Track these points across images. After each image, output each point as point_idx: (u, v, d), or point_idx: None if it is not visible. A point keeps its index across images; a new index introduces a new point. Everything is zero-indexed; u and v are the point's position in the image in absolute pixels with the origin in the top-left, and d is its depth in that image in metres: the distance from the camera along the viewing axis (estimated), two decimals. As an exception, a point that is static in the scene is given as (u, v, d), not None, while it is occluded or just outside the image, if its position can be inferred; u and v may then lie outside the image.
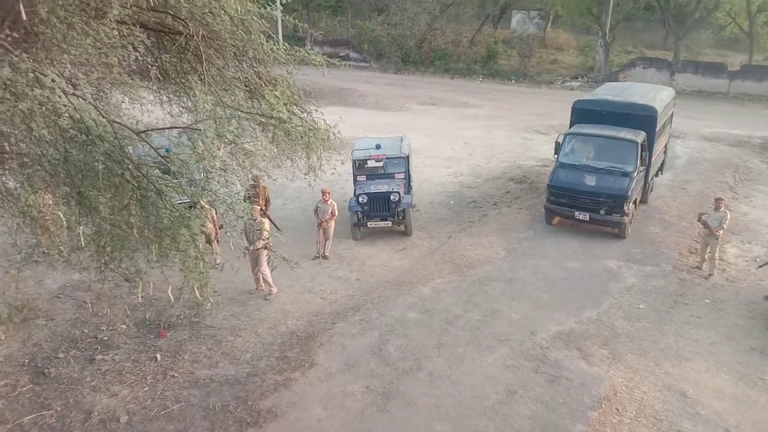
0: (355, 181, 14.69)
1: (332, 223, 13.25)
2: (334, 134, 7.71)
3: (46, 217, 6.92)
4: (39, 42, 5.40)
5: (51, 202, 6.81)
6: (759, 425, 8.32)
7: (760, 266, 12.14)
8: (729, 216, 12.56)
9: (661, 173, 18.02)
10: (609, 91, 17.24)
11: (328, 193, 13.10)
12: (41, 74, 4.76)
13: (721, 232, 12.30)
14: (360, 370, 9.46)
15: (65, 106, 4.91)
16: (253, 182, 12.61)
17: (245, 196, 12.08)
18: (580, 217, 14.12)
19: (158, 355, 9.79)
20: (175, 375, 9.35)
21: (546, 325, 10.62)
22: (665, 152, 18.13)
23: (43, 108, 4.69)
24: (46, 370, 9.39)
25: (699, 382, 9.20)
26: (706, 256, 12.65)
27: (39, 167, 5.46)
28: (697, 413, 8.52)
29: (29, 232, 7.41)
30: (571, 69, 37.20)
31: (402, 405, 8.68)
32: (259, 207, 12.02)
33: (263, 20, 6.86)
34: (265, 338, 10.37)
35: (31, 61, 4.83)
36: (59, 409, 8.59)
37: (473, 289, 11.93)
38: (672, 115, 18.31)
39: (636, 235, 14.34)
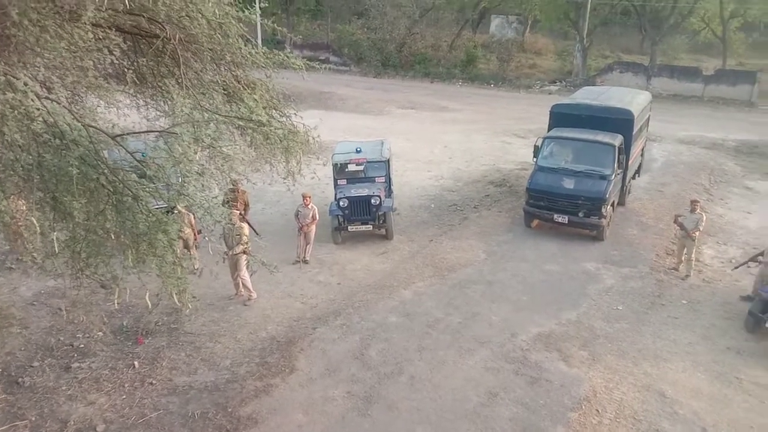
0: (335, 185, 14.65)
1: (313, 227, 13.20)
2: (313, 138, 7.68)
3: (19, 223, 6.79)
4: (11, 45, 5.30)
5: (24, 207, 6.69)
6: (735, 423, 8.45)
7: (736, 267, 12.34)
8: (705, 218, 12.76)
9: (639, 176, 18.25)
10: (587, 95, 17.44)
11: (309, 197, 13.06)
12: (13, 77, 4.68)
13: (697, 233, 12.48)
14: (341, 374, 9.42)
15: (38, 109, 4.83)
16: (231, 186, 12.52)
17: (224, 200, 12.01)
18: (559, 220, 14.24)
19: (136, 362, 9.65)
20: (154, 382, 9.22)
21: (526, 328, 10.68)
22: (642, 155, 18.38)
23: (16, 112, 4.60)
24: (20, 380, 9.19)
25: (677, 382, 9.31)
26: (683, 258, 12.83)
27: (12, 172, 5.36)
28: (675, 413, 8.62)
29: (2, 239, 7.28)
30: (550, 73, 37.59)
31: (383, 409, 8.65)
32: (238, 211, 11.92)
33: (241, 24, 6.82)
34: (244, 344, 10.28)
35: (3, 64, 4.75)
36: (34, 419, 8.41)
37: (454, 292, 11.96)
38: (648, 118, 18.57)
39: (614, 237, 14.50)
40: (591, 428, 8.29)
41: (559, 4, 36.56)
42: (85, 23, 5.29)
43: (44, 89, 5.46)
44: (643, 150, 18.35)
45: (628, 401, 8.86)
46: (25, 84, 4.67)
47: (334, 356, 9.86)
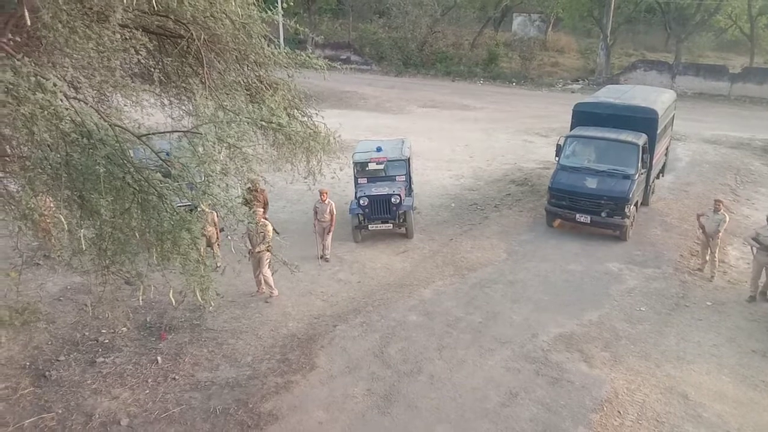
0: (356, 183, 14.70)
1: (332, 225, 13.24)
2: (334, 138, 7.72)
3: (48, 221, 6.93)
4: (41, 46, 5.42)
5: (52, 205, 6.82)
6: (761, 428, 8.31)
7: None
8: (728, 219, 12.55)
9: (663, 175, 18.02)
10: (610, 94, 17.25)
11: (326, 193, 13.10)
12: (43, 78, 4.77)
13: (719, 236, 12.29)
14: (361, 372, 9.46)
15: (67, 109, 4.93)
16: (250, 186, 12.61)
17: (244, 200, 12.10)
18: (581, 220, 14.12)
19: (159, 358, 9.80)
20: (176, 378, 9.35)
21: (547, 328, 10.61)
22: (666, 154, 18.14)
23: (45, 112, 4.70)
24: (47, 373, 9.40)
25: (700, 385, 9.19)
26: (707, 258, 12.65)
27: (40, 170, 5.48)
28: (698, 415, 8.51)
29: (30, 236, 7.43)
30: (572, 72, 37.24)
31: (403, 407, 8.67)
32: (262, 210, 12.02)
33: (264, 24, 6.88)
34: (266, 341, 10.38)
35: (33, 65, 4.85)
36: (60, 411, 8.60)
37: (474, 291, 11.93)
38: (673, 117, 18.32)
39: (637, 237, 14.34)
40: (612, 430, 8.23)
41: (582, 2, 36.24)
42: (113, 24, 5.39)
43: (72, 89, 5.57)
44: (667, 149, 18.11)
45: (650, 403, 8.77)
46: (54, 84, 4.77)
47: (354, 354, 9.91)
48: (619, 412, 8.57)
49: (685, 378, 9.34)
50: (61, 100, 4.85)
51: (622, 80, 31.95)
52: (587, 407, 8.65)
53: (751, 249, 11.75)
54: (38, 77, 4.75)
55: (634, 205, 14.20)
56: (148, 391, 9.03)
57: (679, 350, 10.07)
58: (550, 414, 8.51)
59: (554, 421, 8.38)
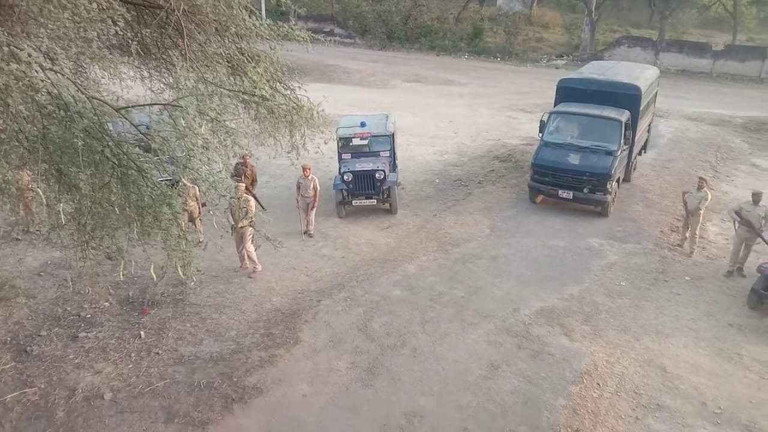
0: (339, 159, 14.62)
1: (316, 200, 13.19)
2: (317, 112, 7.65)
3: (27, 195, 6.84)
4: (14, 15, 5.27)
5: (30, 179, 6.72)
6: (735, 398, 8.53)
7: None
8: (710, 196, 12.70)
9: (645, 152, 18.15)
10: (594, 70, 17.25)
11: (309, 168, 13.01)
12: (17, 48, 4.66)
13: (700, 213, 12.45)
14: (345, 346, 9.52)
15: (42, 81, 4.82)
16: (240, 160, 12.52)
17: (232, 173, 11.99)
18: (564, 196, 14.21)
19: (142, 333, 9.77)
20: (160, 352, 9.35)
21: (529, 302, 10.74)
22: (649, 131, 18.24)
23: (20, 83, 4.59)
24: (28, 348, 9.34)
25: (678, 357, 9.38)
26: (687, 234, 12.82)
27: (17, 143, 5.38)
28: (675, 387, 8.71)
29: (9, 210, 7.33)
30: (557, 47, 37.12)
31: (386, 380, 8.77)
32: (244, 185, 11.94)
33: (245, -6, 6.76)
34: (249, 315, 10.39)
35: (6, 34, 4.72)
36: (43, 386, 8.57)
37: (457, 266, 12.01)
38: (656, 94, 18.39)
39: (618, 213, 14.48)
40: (591, 401, 8.39)
41: (567, -23, 35.97)
42: (89, -7, 5.24)
43: (48, 60, 5.45)
44: (649, 126, 18.21)
45: (629, 375, 8.95)
46: (29, 55, 4.65)
47: (338, 328, 9.96)
48: (598, 384, 8.74)
49: (663, 351, 9.52)
50: (37, 72, 4.74)
51: (606, 56, 31.92)
52: (567, 379, 8.80)
53: (733, 223, 11.92)
54: (12, 47, 4.63)
55: (616, 181, 14.30)
56: (131, 366, 9.02)
57: (657, 324, 10.25)
58: (530, 386, 8.65)
59: (535, 392, 8.53)
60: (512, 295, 10.96)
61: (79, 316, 10.23)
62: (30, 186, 6.72)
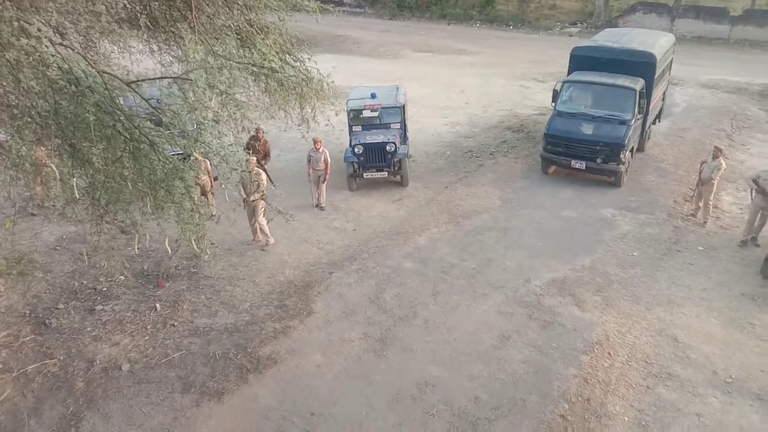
0: (350, 131, 14.57)
1: (327, 173, 13.20)
2: (327, 84, 7.60)
3: (43, 171, 6.90)
4: (23, -11, 5.25)
5: (44, 154, 6.77)
6: (746, 367, 8.55)
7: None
8: (724, 166, 12.53)
9: (659, 121, 17.88)
10: (608, 38, 16.92)
11: (320, 142, 12.99)
12: (26, 23, 4.65)
13: (713, 183, 12.31)
14: (357, 317, 9.62)
15: (53, 56, 4.82)
16: (254, 134, 12.52)
17: (245, 146, 12.00)
18: (577, 166, 14.10)
19: (158, 305, 9.92)
20: (175, 324, 9.50)
21: (540, 273, 10.75)
22: (663, 99, 17.96)
23: (30, 58, 4.60)
24: (47, 321, 9.53)
25: (690, 327, 9.39)
26: (700, 204, 12.71)
27: (29, 119, 5.41)
28: (687, 357, 8.74)
29: (23, 185, 7.40)
30: (570, 15, 36.41)
31: (398, 350, 8.87)
32: (255, 158, 11.96)
33: (253, -35, 6.67)
34: (263, 288, 10.50)
35: (15, 9, 4.72)
36: (62, 358, 8.77)
37: (469, 238, 12.02)
38: (671, 61, 18.04)
39: (632, 183, 14.36)
40: (602, 371, 8.45)
41: (582, -59, 35.10)
42: (96, -34, 5.21)
43: (58, 35, 5.44)
44: (664, 94, 17.91)
45: (640, 345, 8.98)
46: (39, 30, 4.65)
47: (350, 300, 10.05)
48: (609, 353, 8.79)
49: (675, 321, 9.53)
50: (47, 46, 4.74)
51: (620, 23, 31.28)
52: (578, 349, 8.85)
53: (750, 191, 11.78)
54: (21, 22, 4.63)
55: (630, 151, 14.15)
56: (147, 338, 9.19)
57: (669, 294, 10.24)
58: (541, 356, 8.72)
59: (546, 362, 8.59)
60: (523, 267, 10.97)
61: (95, 289, 10.40)
62: (45, 161, 6.77)
